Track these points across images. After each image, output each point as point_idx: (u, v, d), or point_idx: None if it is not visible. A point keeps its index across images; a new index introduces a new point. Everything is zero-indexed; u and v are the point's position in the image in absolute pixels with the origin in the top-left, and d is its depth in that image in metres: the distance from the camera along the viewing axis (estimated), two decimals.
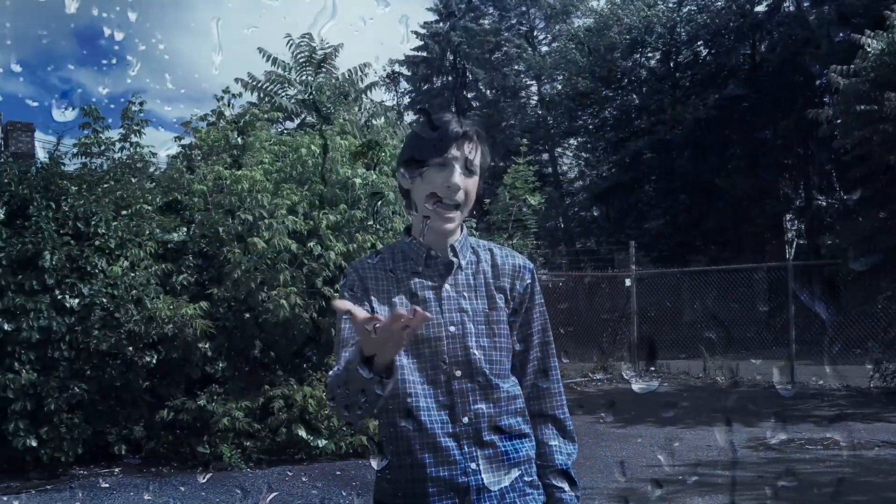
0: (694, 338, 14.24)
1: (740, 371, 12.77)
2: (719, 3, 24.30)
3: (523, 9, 33.52)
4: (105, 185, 8.10)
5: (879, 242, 10.06)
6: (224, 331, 7.85)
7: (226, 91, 9.66)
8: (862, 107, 10.12)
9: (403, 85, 35.14)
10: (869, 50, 10.29)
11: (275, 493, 6.51)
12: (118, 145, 9.02)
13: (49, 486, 6.85)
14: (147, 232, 7.98)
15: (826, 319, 10.94)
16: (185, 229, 8.23)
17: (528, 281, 1.96)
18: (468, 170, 1.84)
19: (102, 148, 8.88)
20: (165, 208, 8.54)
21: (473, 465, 1.79)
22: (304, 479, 6.85)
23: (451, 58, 33.66)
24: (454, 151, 1.82)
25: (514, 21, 34.06)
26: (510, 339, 1.91)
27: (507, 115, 31.51)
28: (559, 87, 28.89)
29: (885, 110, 9.71)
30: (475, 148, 1.86)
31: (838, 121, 10.93)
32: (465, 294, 1.88)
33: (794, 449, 7.58)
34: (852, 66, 10.58)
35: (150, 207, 8.19)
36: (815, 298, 10.86)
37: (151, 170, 9.43)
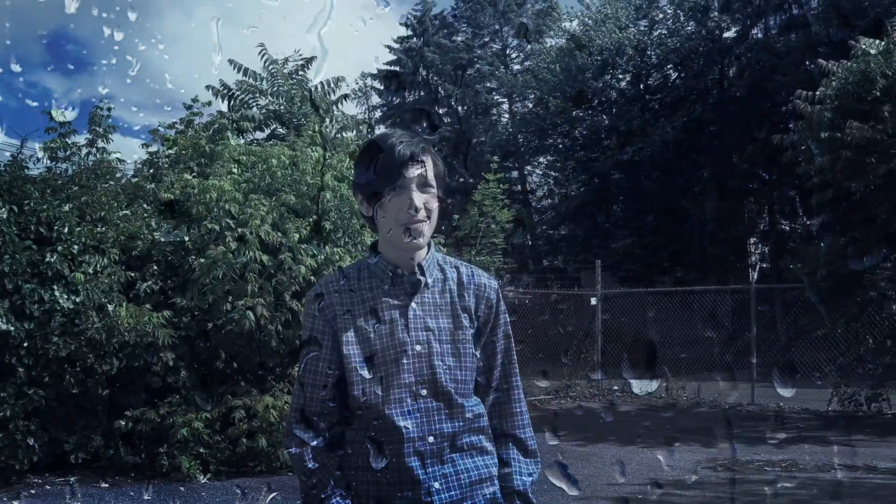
0: (657, 358, 14.35)
1: (702, 392, 12.89)
2: (689, 28, 24.69)
3: (496, 27, 33.78)
4: (70, 191, 7.99)
5: (840, 268, 10.23)
6: (187, 340, 7.76)
7: (195, 100, 9.60)
8: (826, 134, 10.31)
9: (375, 99, 35.17)
10: (833, 78, 10.50)
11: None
12: (84, 150, 8.90)
13: (2, 495, 6.71)
14: (112, 238, 7.87)
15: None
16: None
17: (494, 300, 1.97)
18: (425, 185, 1.84)
19: (69, 153, 8.75)
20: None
21: (437, 485, 1.80)
22: (264, 490, 6.78)
23: (424, 73, 33.76)
24: (407, 173, 1.81)
25: (486, 39, 34.30)
26: (475, 358, 1.91)
27: (478, 132, 31.66)
28: (530, 105, 29.12)
29: (848, 138, 9.90)
30: (427, 162, 1.85)
31: (802, 147, 11.11)
32: (432, 312, 1.88)
33: (753, 470, 7.65)
34: (817, 94, 10.78)
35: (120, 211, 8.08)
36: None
37: (118, 176, 9.31)
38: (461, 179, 25.26)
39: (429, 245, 1.94)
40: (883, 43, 10.26)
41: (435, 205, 1.87)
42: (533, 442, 2.00)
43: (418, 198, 1.81)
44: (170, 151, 8.97)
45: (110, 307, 7.38)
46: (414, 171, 1.81)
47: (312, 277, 7.62)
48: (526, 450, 1.98)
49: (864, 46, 10.37)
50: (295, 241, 7.81)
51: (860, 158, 9.96)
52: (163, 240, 7.94)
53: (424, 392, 1.81)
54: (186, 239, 7.91)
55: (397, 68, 33.50)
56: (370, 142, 1.93)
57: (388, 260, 1.90)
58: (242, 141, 10.19)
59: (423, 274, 1.89)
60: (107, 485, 7.11)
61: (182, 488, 6.91)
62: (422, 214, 1.82)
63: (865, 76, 10.05)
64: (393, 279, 1.89)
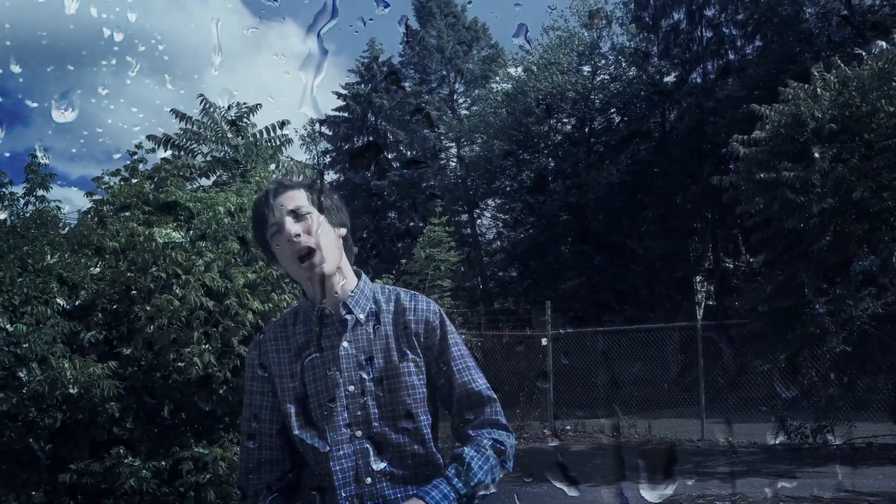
0: (608, 397, 14.48)
1: (653, 429, 13.01)
2: (631, 73, 25.32)
3: (444, 73, 34.26)
4: (10, 242, 7.85)
5: (779, 303, 10.47)
6: (133, 391, 7.62)
7: (139, 146, 9.53)
8: (762, 175, 10.63)
9: (324, 144, 35.26)
10: (767, 121, 10.86)
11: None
12: (22, 200, 8.75)
13: None
14: (55, 288, 7.72)
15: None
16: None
17: (435, 323, 1.92)
18: (299, 216, 1.86)
19: (5, 203, 8.59)
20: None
21: None
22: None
23: (372, 119, 34.00)
24: (274, 213, 1.86)
25: (434, 85, 34.74)
26: (418, 390, 1.87)
27: (427, 177, 31.86)
28: (478, 149, 29.48)
29: (783, 178, 10.22)
30: (294, 196, 1.88)
31: (743, 187, 11.42)
32: (365, 349, 1.85)
33: None
34: (752, 136, 11.13)
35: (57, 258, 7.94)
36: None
37: (60, 225, 9.17)
38: (411, 224, 25.35)
39: (359, 276, 1.94)
40: (811, 87, 10.67)
41: (322, 229, 1.87)
42: (509, 444, 2.01)
43: (292, 226, 1.84)
44: (113, 199, 8.86)
45: (53, 359, 7.22)
46: (281, 206, 1.86)
47: (260, 322, 7.57)
48: (502, 449, 1.95)
49: (793, 90, 10.78)
50: (241, 286, 7.74)
51: (795, 198, 10.27)
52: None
53: (360, 433, 1.80)
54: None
55: (346, 114, 33.73)
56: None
57: (314, 302, 1.90)
58: (189, 188, 10.11)
59: (349, 312, 1.88)
60: None
61: None
62: (304, 240, 1.83)
63: (796, 119, 10.42)
64: (321, 320, 1.87)
